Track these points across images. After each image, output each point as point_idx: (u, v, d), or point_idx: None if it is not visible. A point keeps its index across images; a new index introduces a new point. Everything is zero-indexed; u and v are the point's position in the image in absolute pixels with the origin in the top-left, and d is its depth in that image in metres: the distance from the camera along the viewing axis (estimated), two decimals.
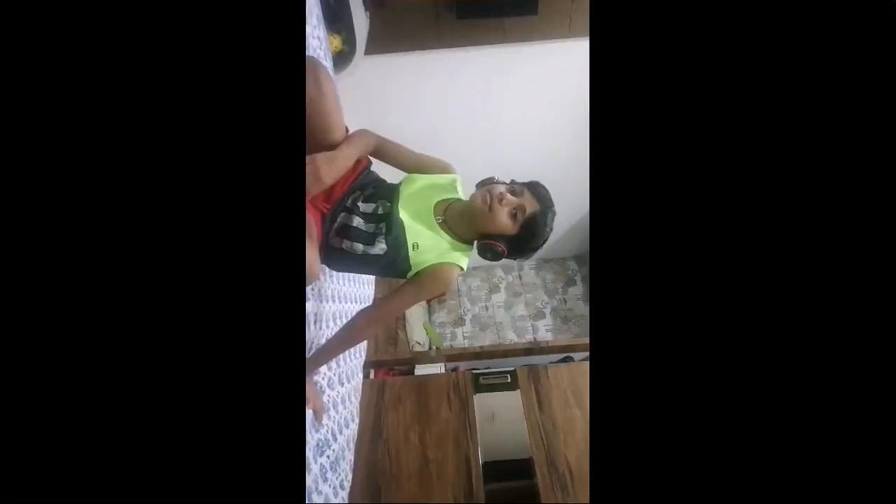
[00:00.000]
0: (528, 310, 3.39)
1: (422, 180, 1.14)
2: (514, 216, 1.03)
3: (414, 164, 1.17)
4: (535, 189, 1.06)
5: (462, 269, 1.07)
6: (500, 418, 2.21)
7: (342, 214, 1.07)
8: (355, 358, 1.64)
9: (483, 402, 2.12)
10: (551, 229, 1.06)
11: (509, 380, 2.20)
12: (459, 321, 3.33)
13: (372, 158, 1.18)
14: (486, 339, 3.23)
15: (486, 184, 1.09)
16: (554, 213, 1.06)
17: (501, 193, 1.02)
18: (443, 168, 1.17)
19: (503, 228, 1.03)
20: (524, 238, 1.04)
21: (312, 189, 1.01)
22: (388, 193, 1.10)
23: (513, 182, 1.08)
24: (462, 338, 3.25)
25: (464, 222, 1.08)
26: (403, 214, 1.07)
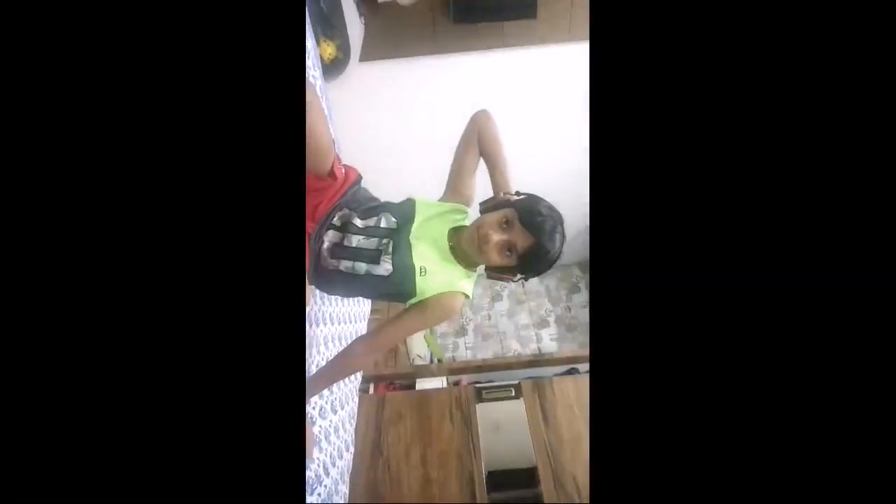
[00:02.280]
0: (532, 318, 3.32)
1: (437, 206, 1.08)
2: (507, 252, 0.93)
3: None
4: (529, 220, 0.91)
5: (468, 296, 1.01)
6: (505, 427, 2.17)
7: (330, 233, 1.01)
8: (350, 381, 1.57)
9: (487, 411, 2.09)
10: (559, 252, 0.95)
11: (513, 393, 2.15)
12: (461, 331, 3.26)
13: (362, 176, 1.12)
14: (489, 349, 3.16)
15: (485, 207, 1.01)
16: (560, 235, 0.94)
17: (486, 235, 0.92)
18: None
19: (501, 264, 0.95)
20: (526, 268, 0.96)
21: None
22: (398, 211, 1.04)
23: (508, 207, 0.95)
24: (464, 348, 3.18)
25: (465, 255, 1.02)
26: (414, 238, 1.00)
